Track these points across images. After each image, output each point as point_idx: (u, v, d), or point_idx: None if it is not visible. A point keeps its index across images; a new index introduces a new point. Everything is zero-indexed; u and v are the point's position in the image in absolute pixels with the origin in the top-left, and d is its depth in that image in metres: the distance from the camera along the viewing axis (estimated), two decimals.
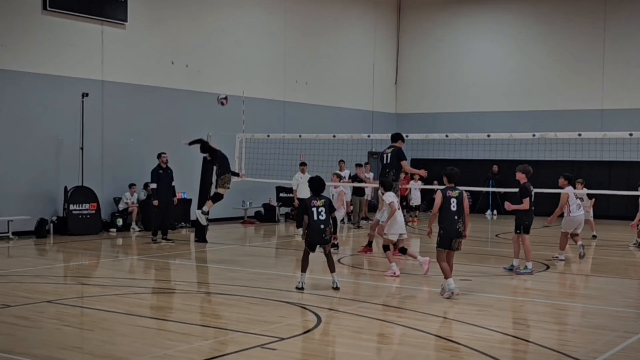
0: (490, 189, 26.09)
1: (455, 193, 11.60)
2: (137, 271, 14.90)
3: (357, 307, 10.75)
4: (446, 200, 11.54)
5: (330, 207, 11.91)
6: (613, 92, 27.25)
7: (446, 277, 11.47)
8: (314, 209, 11.79)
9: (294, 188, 21.91)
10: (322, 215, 11.77)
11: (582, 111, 27.38)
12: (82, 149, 19.89)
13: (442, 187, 11.97)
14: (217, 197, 16.10)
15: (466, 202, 11.62)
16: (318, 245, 11.88)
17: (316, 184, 12.18)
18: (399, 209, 13.86)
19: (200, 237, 18.58)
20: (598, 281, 14.05)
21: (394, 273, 13.33)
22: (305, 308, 10.52)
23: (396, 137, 15.85)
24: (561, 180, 16.07)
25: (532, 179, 13.91)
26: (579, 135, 16.42)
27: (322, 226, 11.76)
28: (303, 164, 21.78)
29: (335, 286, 11.89)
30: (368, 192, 24.50)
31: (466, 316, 10.11)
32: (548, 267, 14.59)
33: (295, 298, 11.35)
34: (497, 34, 29.95)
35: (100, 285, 12.67)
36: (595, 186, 20.70)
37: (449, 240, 11.48)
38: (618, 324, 9.83)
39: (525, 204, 13.63)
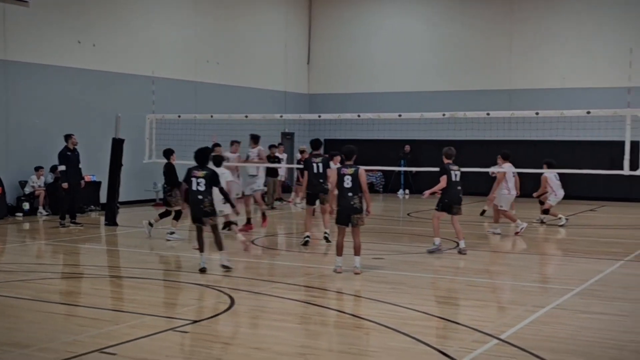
0: (402, 169, 26.41)
1: (350, 170, 11.71)
2: (45, 256, 14.50)
3: (271, 287, 10.71)
4: (340, 177, 11.71)
5: (211, 180, 11.71)
6: (520, 72, 27.88)
7: (338, 254, 11.74)
8: (194, 179, 11.67)
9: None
10: (200, 187, 11.63)
11: (491, 91, 27.94)
12: None
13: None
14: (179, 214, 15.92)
15: (363, 179, 11.71)
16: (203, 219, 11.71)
17: (199, 155, 12.02)
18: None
19: (111, 220, 18.21)
20: (507, 258, 14.40)
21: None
22: (218, 290, 10.42)
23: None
24: (499, 159, 16.64)
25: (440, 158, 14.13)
26: (487, 114, 16.72)
27: (199, 197, 11.62)
28: (217, 145, 21.46)
29: (222, 264, 11.74)
30: (282, 173, 24.44)
31: (379, 294, 10.19)
32: (458, 245, 14.83)
33: (210, 280, 11.23)
34: (408, 15, 30.22)
35: (5, 271, 12.25)
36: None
37: (345, 216, 11.66)
38: (526, 299, 10.08)
39: (442, 182, 13.81)
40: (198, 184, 11.64)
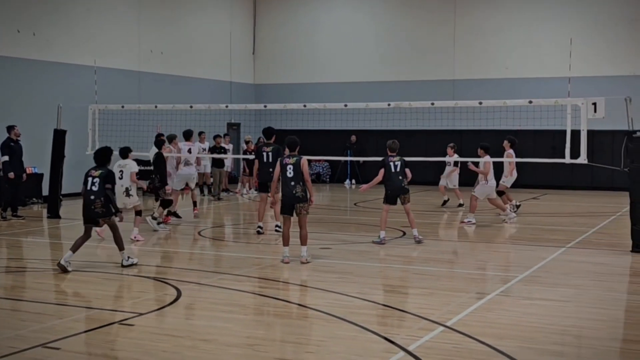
0: (349, 159, 26.49)
1: (292, 160, 11.79)
2: None
3: (218, 279, 10.66)
4: (283, 167, 11.81)
5: (106, 179, 11.14)
6: (464, 62, 28.18)
7: (284, 245, 11.83)
8: (89, 179, 11.18)
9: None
10: (94, 187, 11.09)
11: (436, 81, 28.17)
12: None
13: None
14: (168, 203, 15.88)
15: (305, 169, 11.73)
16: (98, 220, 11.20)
17: (97, 155, 11.58)
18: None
19: (53, 212, 17.91)
20: (451, 246, 14.55)
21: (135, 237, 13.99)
22: (165, 282, 10.33)
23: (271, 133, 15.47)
24: (480, 151, 16.73)
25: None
26: (432, 104, 16.84)
27: (92, 197, 11.12)
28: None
29: (123, 264, 11.35)
30: (228, 164, 24.33)
31: (326, 284, 10.22)
32: (404, 234, 14.94)
33: (156, 272, 11.15)
34: (353, 6, 30.27)
35: None
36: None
37: (289, 206, 11.72)
38: (471, 286, 10.22)
39: (379, 176, 13.91)
40: (93, 183, 11.16)
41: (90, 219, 11.30)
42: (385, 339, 7.54)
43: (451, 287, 10.33)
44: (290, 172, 11.74)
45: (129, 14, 25.26)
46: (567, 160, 14.94)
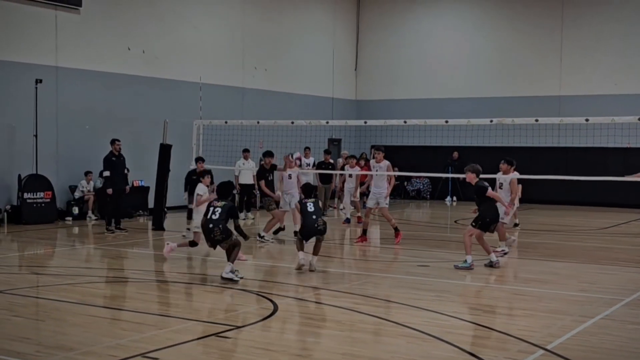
0: (450, 175, 26.19)
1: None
2: (93, 260, 14.65)
3: (314, 294, 10.68)
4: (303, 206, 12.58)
5: (229, 212, 11.68)
6: (570, 78, 27.48)
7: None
8: (211, 208, 11.61)
9: (235, 174, 21.56)
10: (215, 215, 11.46)
11: (540, 97, 27.58)
12: (36, 136, 19.48)
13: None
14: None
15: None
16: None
17: (220, 188, 12.16)
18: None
19: (158, 225, 18.36)
20: (554, 266, 14.10)
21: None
22: (262, 296, 10.41)
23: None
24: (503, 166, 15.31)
25: (489, 165, 13.91)
26: (536, 121, 16.44)
27: (210, 225, 11.48)
28: (246, 151, 21.66)
29: (223, 275, 11.40)
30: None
31: (424, 302, 10.08)
32: (506, 253, 14.62)
33: (254, 286, 11.25)
34: (456, 21, 30.02)
35: (54, 275, 12.45)
36: (552, 172, 20.81)
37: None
38: (573, 308, 9.88)
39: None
40: (214, 212, 11.54)
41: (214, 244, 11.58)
42: None
43: (553, 308, 10.01)
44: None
45: (234, 32, 25.77)
46: None
